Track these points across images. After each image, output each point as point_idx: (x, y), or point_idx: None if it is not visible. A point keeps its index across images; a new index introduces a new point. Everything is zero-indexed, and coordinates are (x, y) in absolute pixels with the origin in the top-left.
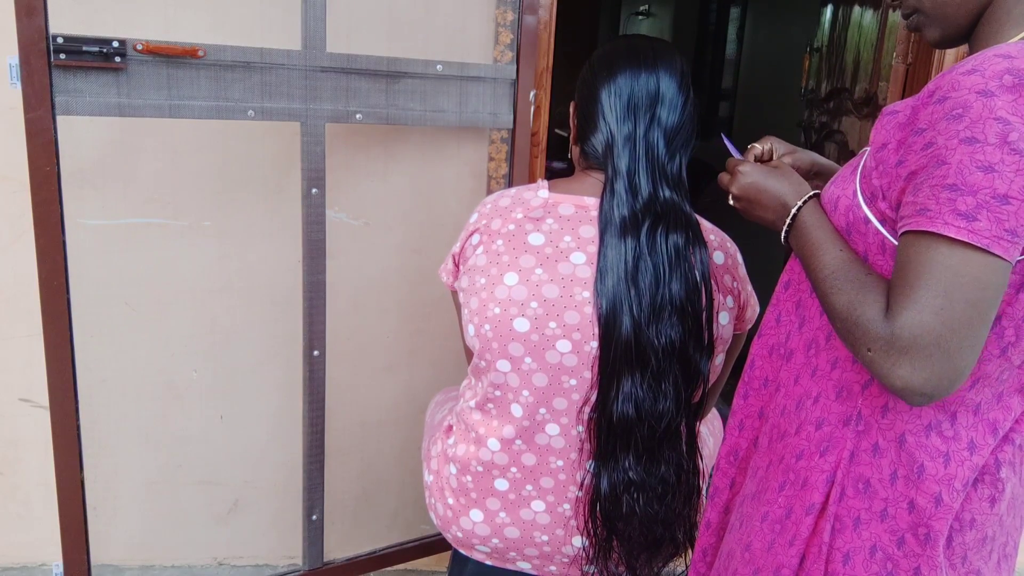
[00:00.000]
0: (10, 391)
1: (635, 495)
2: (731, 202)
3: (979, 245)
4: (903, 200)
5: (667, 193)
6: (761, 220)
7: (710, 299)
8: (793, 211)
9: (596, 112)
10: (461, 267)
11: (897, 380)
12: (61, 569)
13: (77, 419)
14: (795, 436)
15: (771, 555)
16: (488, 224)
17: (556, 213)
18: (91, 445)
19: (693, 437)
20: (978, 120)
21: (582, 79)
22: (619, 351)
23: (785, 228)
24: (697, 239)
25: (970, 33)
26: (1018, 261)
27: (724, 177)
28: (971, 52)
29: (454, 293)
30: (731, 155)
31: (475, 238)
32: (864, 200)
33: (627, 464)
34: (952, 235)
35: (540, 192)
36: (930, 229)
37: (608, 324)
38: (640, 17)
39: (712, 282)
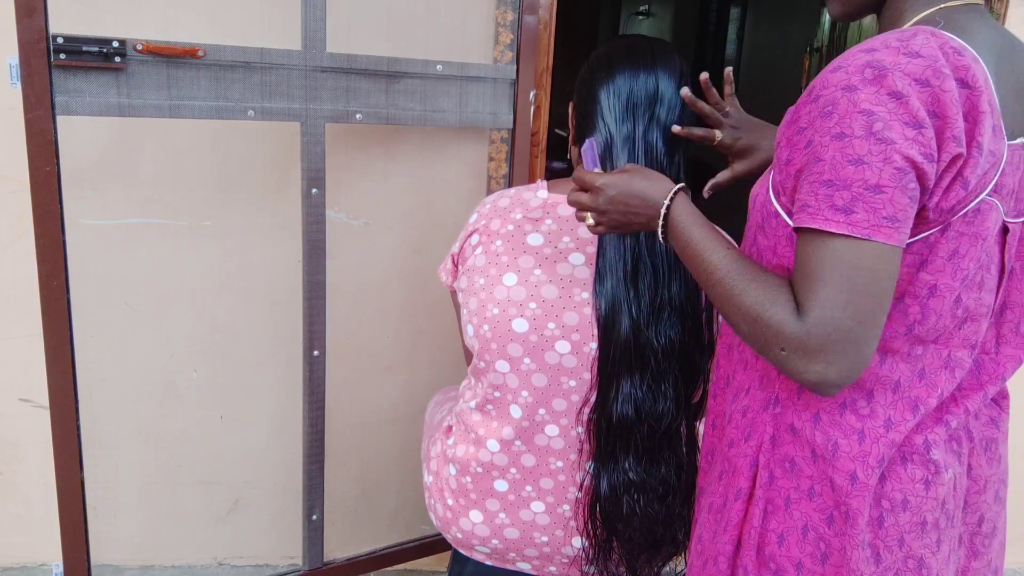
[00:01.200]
0: (10, 391)
1: (635, 496)
2: (592, 222)
3: (860, 236)
4: (795, 197)
5: None
6: (635, 227)
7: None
8: (663, 209)
9: (595, 112)
10: (460, 267)
11: (813, 375)
12: (61, 569)
13: (77, 419)
14: (728, 426)
15: (714, 544)
16: (487, 224)
17: (555, 214)
18: (91, 445)
19: (693, 437)
20: (845, 115)
21: (581, 79)
22: (618, 352)
23: (660, 227)
24: None
25: (875, 8)
26: (915, 241)
27: (581, 197)
28: (879, 30)
29: (453, 293)
30: (586, 166)
31: (474, 238)
32: (774, 195)
33: (627, 465)
34: (833, 230)
35: (539, 192)
36: (812, 226)
37: (607, 325)
38: (640, 17)
39: None
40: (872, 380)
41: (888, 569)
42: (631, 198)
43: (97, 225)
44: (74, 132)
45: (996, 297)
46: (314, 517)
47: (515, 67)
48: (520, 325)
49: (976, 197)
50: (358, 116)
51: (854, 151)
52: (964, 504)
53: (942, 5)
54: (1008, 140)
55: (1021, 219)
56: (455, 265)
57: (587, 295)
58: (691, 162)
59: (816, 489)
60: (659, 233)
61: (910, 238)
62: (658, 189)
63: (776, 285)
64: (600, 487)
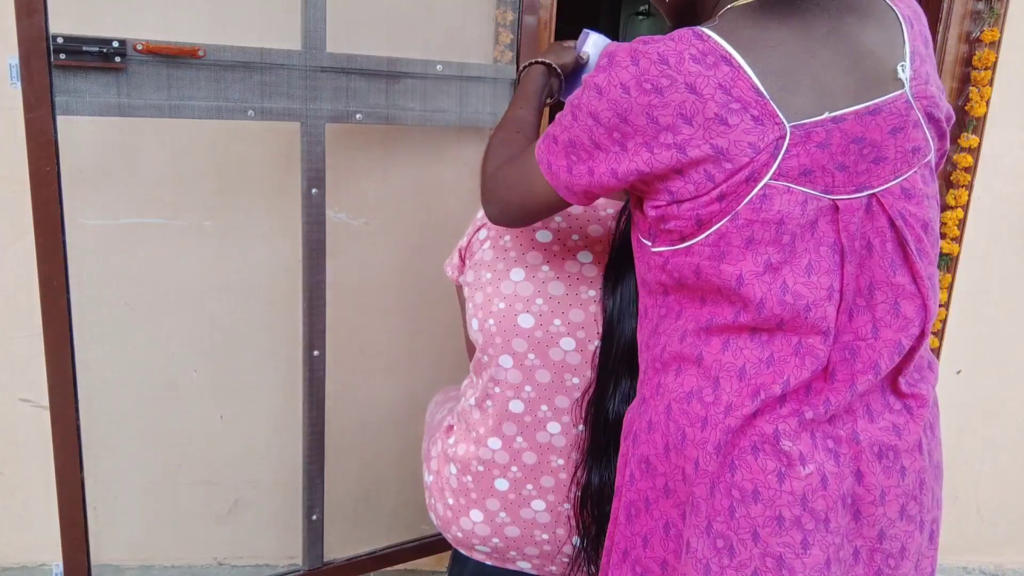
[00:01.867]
0: (10, 391)
1: None
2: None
3: (535, 156)
4: None
5: None
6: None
7: None
8: (525, 63)
9: None
10: (467, 262)
11: (481, 200)
12: (61, 569)
13: (77, 419)
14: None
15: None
16: None
17: (565, 212)
18: (91, 445)
19: None
20: (584, 79)
21: None
22: (622, 350)
23: (522, 67)
24: None
25: (692, 16)
26: (709, 235)
27: None
28: None
29: (458, 288)
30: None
31: (482, 233)
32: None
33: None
34: (534, 150)
35: None
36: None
37: (612, 322)
38: (640, 17)
39: None
40: (717, 367)
41: (744, 565)
42: (548, 49)
43: (97, 225)
44: (74, 132)
45: (840, 279)
46: (314, 517)
47: (515, 67)
48: (526, 320)
49: (756, 184)
50: (358, 116)
51: (569, 107)
52: (857, 513)
53: (728, 7)
54: (827, 114)
55: (863, 193)
56: (462, 259)
57: (594, 293)
58: None
59: (671, 485)
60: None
61: (702, 233)
62: (540, 55)
63: (514, 144)
64: (591, 482)
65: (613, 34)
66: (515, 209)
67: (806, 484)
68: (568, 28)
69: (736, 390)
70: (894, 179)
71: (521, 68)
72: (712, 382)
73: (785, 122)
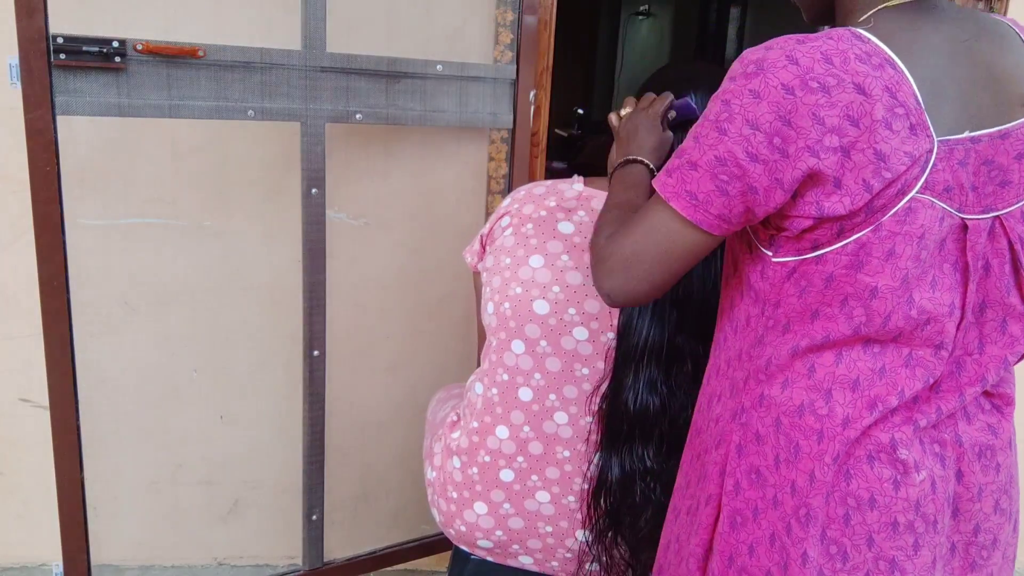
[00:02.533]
0: (10, 391)
1: (652, 484)
2: (615, 122)
3: (663, 196)
4: None
5: None
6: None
7: None
8: (625, 158)
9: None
10: (488, 248)
11: (595, 281)
12: (61, 569)
13: (77, 419)
14: (704, 433)
15: (688, 548)
16: (520, 208)
17: (588, 206)
18: (91, 445)
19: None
20: (714, 100)
21: (656, 86)
22: (643, 343)
23: (616, 164)
24: None
25: (830, 14)
26: (849, 243)
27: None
28: None
29: (476, 275)
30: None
31: (505, 220)
32: None
33: (648, 453)
34: (655, 186)
35: (575, 185)
36: (654, 183)
37: (630, 316)
38: (640, 17)
39: None
40: (830, 380)
41: (857, 568)
42: (633, 133)
43: (97, 225)
44: (74, 132)
45: (963, 297)
46: (314, 517)
47: (515, 67)
48: (541, 307)
49: (904, 196)
50: (358, 116)
51: (697, 130)
52: (956, 511)
53: (881, 6)
54: (967, 133)
55: (989, 215)
56: (483, 246)
57: None
58: None
59: (779, 497)
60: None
61: (843, 240)
62: (634, 149)
63: (613, 220)
64: (610, 472)
65: (613, 34)
66: (647, 273)
67: (920, 490)
68: (568, 27)
69: (851, 401)
70: (1016, 203)
71: (616, 165)
72: (824, 395)
73: (934, 135)
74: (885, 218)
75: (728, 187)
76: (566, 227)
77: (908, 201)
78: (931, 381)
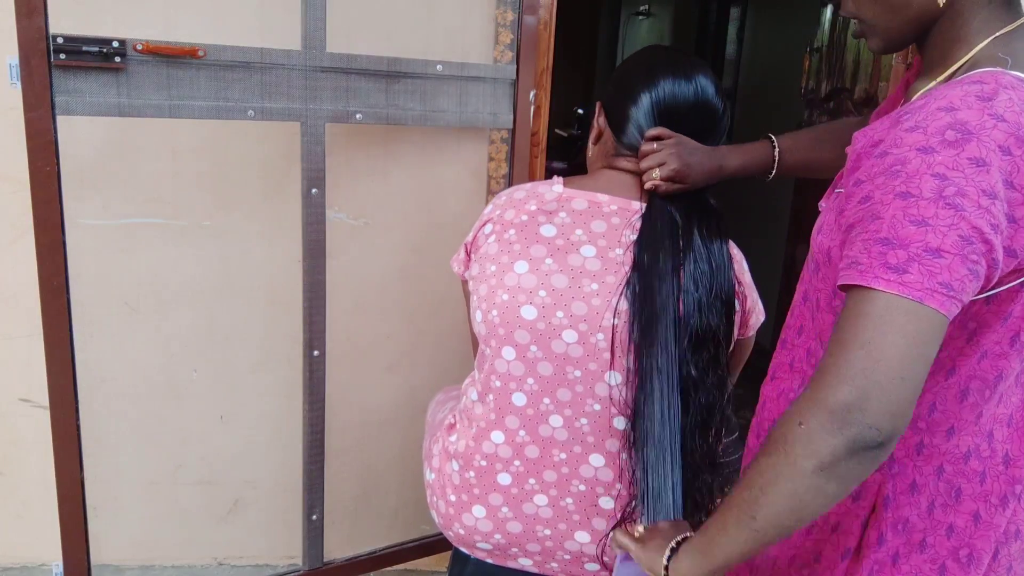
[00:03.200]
0: (10, 391)
1: (697, 392)
2: (659, 175)
3: (912, 298)
4: (842, 253)
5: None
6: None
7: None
8: (664, 557)
9: (632, 116)
10: (473, 256)
11: (850, 443)
12: (61, 569)
13: (77, 419)
14: None
15: None
16: (502, 215)
17: (569, 207)
18: (91, 445)
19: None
20: (914, 175)
21: (616, 81)
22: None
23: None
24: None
25: (916, 41)
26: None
27: (653, 146)
28: (922, 59)
29: (464, 283)
30: None
31: (488, 227)
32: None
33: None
34: (882, 288)
35: (554, 187)
36: (860, 283)
37: (652, 313)
38: (640, 17)
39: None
40: (991, 421)
41: None
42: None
43: (97, 225)
44: (74, 132)
45: None
46: (314, 517)
47: (515, 67)
48: (529, 312)
49: None
50: (358, 116)
51: (919, 212)
52: None
53: (996, 34)
54: None
55: None
56: (468, 255)
57: (596, 286)
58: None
59: (928, 540)
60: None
61: (1019, 277)
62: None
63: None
64: (650, 381)
65: (613, 34)
66: (914, 387)
67: None
68: (568, 27)
69: (1008, 438)
70: None
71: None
72: (987, 437)
73: None
74: None
75: (977, 267)
76: (548, 230)
77: None
78: None
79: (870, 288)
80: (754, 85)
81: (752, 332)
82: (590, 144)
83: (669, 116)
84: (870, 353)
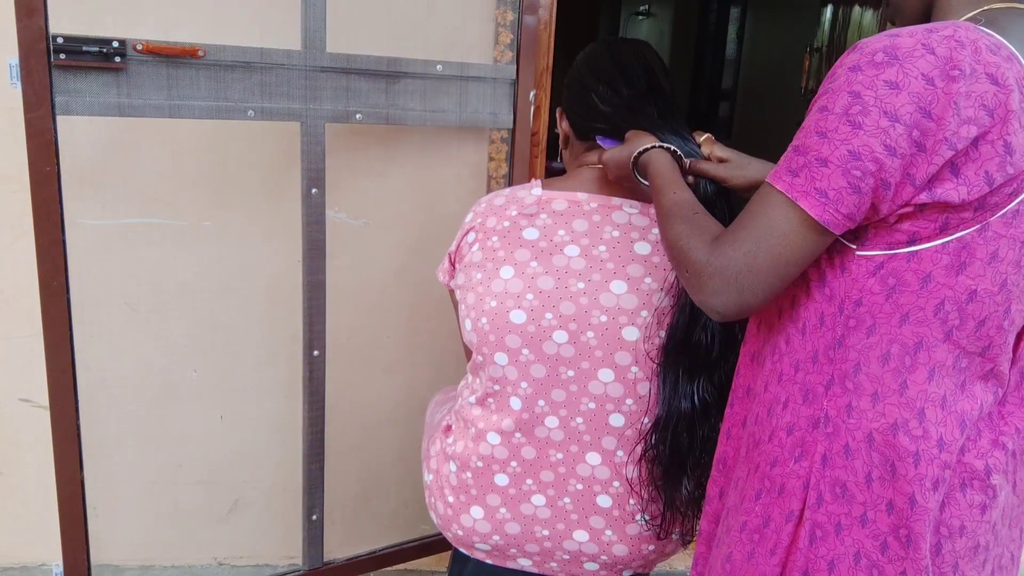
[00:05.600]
0: (10, 391)
1: (715, 420)
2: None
3: (790, 196)
4: None
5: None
6: (629, 180)
7: None
8: (635, 153)
9: (592, 99)
10: (457, 265)
11: (698, 298)
12: (61, 569)
13: (77, 419)
14: (768, 443)
15: (751, 565)
16: (483, 222)
17: (549, 208)
18: (91, 445)
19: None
20: (836, 91)
21: (569, 84)
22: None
23: (631, 166)
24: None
25: (925, 15)
26: (951, 240)
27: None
28: None
29: (451, 293)
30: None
31: (471, 236)
32: None
33: (709, 389)
34: (775, 184)
35: (533, 190)
36: (768, 180)
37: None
38: (640, 17)
39: None
40: (922, 398)
41: None
42: (621, 157)
43: (97, 225)
44: (74, 132)
45: None
46: (314, 517)
47: (515, 67)
48: (518, 316)
49: (1015, 198)
50: (358, 116)
51: (825, 125)
52: (1010, 521)
53: (985, 7)
54: None
55: None
56: (452, 264)
57: (583, 285)
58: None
59: (869, 515)
60: (633, 173)
61: (944, 237)
62: (638, 144)
63: (704, 226)
64: (677, 405)
65: (613, 34)
66: (763, 284)
67: (999, 511)
68: (568, 27)
69: (941, 420)
70: None
71: (636, 154)
72: (917, 414)
73: None
74: (993, 218)
75: (861, 183)
76: (531, 233)
77: (1018, 203)
78: (1000, 393)
79: (771, 184)
80: (754, 85)
81: None
82: (561, 149)
83: (622, 108)
84: (750, 247)
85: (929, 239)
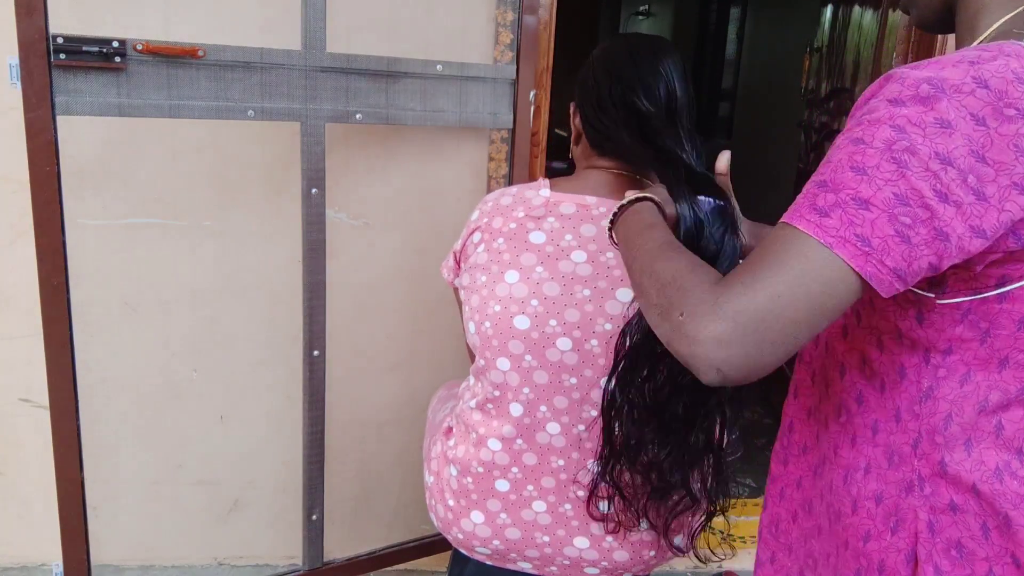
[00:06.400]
0: (10, 391)
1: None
2: None
3: (822, 241)
4: None
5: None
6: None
7: None
8: (622, 202)
9: (612, 126)
10: (462, 264)
11: (690, 350)
12: (61, 569)
13: (77, 419)
14: (853, 515)
15: None
16: (489, 222)
17: (557, 212)
18: (91, 445)
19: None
20: (874, 123)
21: (585, 85)
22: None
23: (608, 225)
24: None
25: (949, 17)
26: None
27: None
28: (956, 42)
29: (455, 291)
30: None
31: (476, 236)
32: None
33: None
34: (799, 226)
35: (541, 191)
36: (786, 220)
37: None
38: (640, 17)
39: None
40: (1020, 438)
41: None
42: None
43: (97, 225)
44: (74, 132)
45: None
46: (314, 517)
47: (515, 67)
48: (522, 322)
49: None
50: (358, 116)
51: (863, 160)
52: None
53: (1017, 10)
54: None
55: None
56: (457, 262)
57: (588, 292)
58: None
59: (996, 571)
60: (608, 233)
61: None
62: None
63: (705, 266)
64: (619, 397)
65: (613, 34)
66: (786, 337)
67: None
68: (568, 27)
69: None
70: None
71: (620, 208)
72: (1016, 454)
73: None
74: None
75: (911, 232)
76: (538, 237)
77: None
78: None
79: (792, 225)
80: (754, 85)
81: None
82: (572, 145)
83: (636, 116)
84: (780, 290)
85: (1021, 278)
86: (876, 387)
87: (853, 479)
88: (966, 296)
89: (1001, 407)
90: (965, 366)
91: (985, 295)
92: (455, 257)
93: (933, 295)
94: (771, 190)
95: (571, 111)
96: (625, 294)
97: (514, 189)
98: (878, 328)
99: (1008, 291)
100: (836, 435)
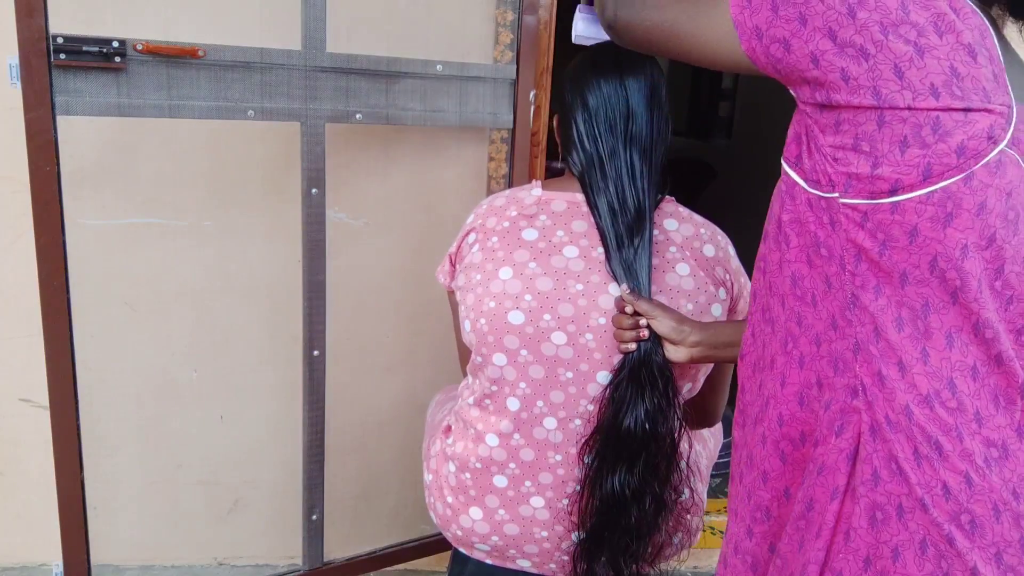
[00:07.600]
0: (10, 391)
1: (642, 502)
2: (632, 348)
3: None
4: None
5: (645, 208)
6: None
7: None
8: None
9: (572, 133)
10: (457, 267)
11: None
12: (61, 569)
13: (77, 419)
14: (808, 428)
15: (802, 554)
16: (483, 223)
17: (549, 209)
18: (91, 445)
19: (675, 449)
20: None
21: (559, 96)
22: (633, 371)
23: None
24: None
25: None
26: (936, 190)
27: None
28: None
29: (450, 294)
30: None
31: (471, 237)
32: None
33: (635, 472)
34: None
35: (533, 191)
36: None
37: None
38: None
39: (703, 273)
40: (948, 367)
41: (1010, 570)
42: (719, 347)
43: (97, 225)
44: (74, 132)
45: None
46: (314, 517)
47: (515, 67)
48: (516, 317)
49: (996, 145)
50: (358, 116)
51: None
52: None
53: None
54: None
55: None
56: (452, 265)
57: (581, 287)
58: (692, 162)
59: (927, 500)
60: None
61: (928, 186)
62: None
63: None
64: (609, 485)
65: None
66: (658, 36)
67: None
68: (568, 27)
69: (974, 393)
70: None
71: None
72: (947, 384)
73: (1011, 96)
74: (977, 166)
75: (781, 7)
76: (530, 234)
77: (998, 153)
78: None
79: None
80: (754, 85)
81: (742, 317)
82: (562, 157)
83: (609, 131)
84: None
85: (912, 188)
86: (809, 302)
87: (807, 397)
88: (863, 199)
89: (915, 327)
90: (874, 277)
91: (879, 201)
92: (451, 260)
93: (837, 195)
94: (771, 190)
95: (555, 123)
96: (618, 289)
97: (508, 191)
98: (805, 246)
99: (899, 201)
100: (784, 366)
